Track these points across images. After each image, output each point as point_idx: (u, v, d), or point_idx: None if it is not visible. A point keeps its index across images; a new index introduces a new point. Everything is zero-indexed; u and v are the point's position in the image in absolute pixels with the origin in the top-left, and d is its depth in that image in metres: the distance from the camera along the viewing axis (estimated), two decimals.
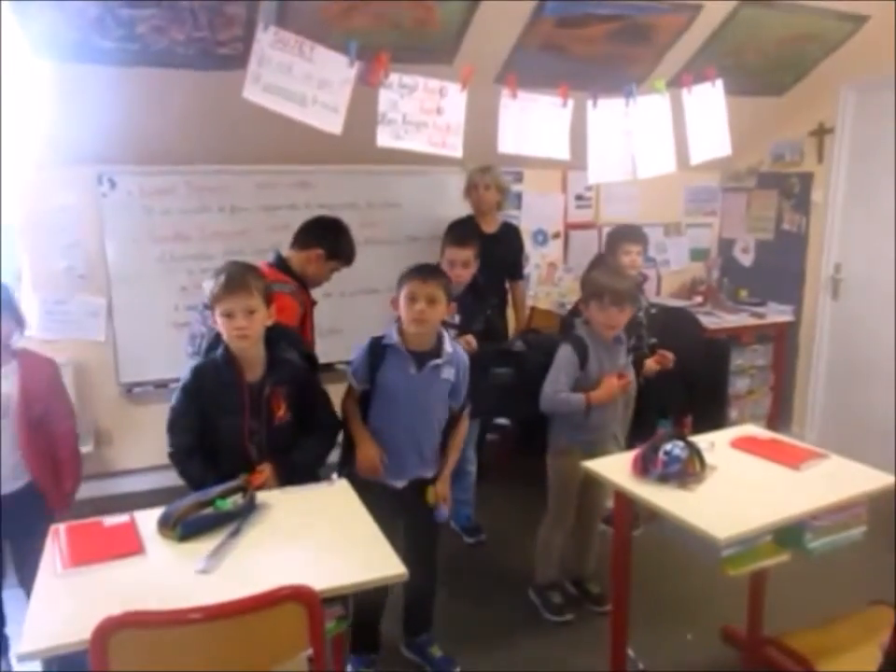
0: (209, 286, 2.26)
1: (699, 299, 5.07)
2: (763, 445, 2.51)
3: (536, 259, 4.81)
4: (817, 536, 2.11)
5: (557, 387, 2.81)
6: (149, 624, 1.48)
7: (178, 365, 2.37)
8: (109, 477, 4.00)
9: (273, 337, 2.35)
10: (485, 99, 3.05)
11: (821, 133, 4.53)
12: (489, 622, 2.98)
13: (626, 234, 3.67)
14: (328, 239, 2.99)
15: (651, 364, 3.39)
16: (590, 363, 2.84)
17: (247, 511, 1.99)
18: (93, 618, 1.45)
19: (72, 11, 2.76)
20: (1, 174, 3.45)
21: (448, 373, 2.51)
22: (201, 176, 3.90)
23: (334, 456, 2.57)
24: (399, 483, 2.53)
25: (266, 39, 2.69)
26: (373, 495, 2.22)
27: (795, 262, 4.77)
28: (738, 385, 4.78)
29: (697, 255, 5.35)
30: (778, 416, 4.87)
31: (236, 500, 1.98)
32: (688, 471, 2.24)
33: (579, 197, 4.90)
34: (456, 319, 3.15)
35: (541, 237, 4.84)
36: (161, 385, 3.88)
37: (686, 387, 3.71)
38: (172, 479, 2.34)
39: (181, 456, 2.29)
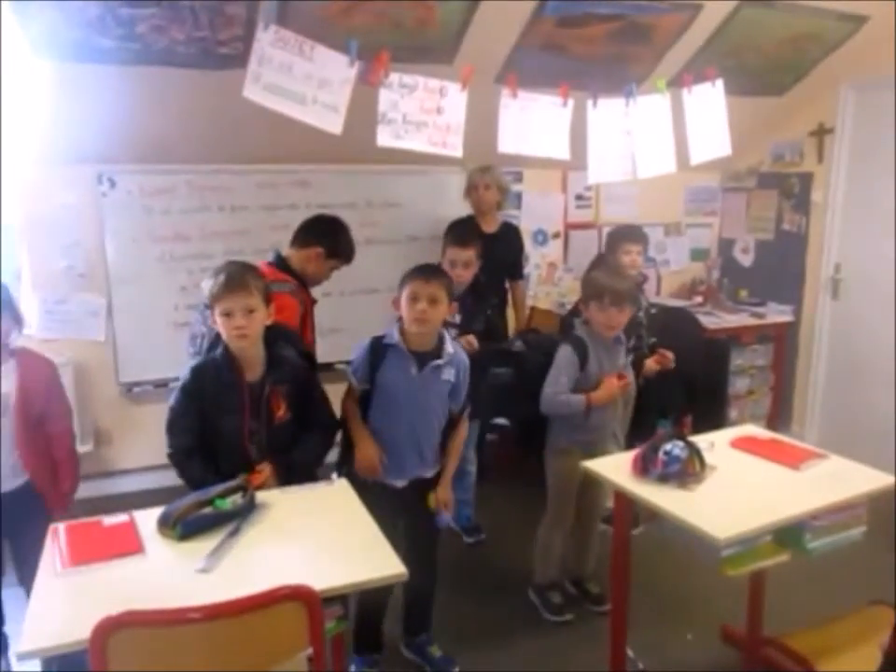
0: (208, 285, 2.26)
1: (699, 299, 5.07)
2: (762, 445, 2.51)
3: (536, 258, 4.81)
4: (816, 536, 2.11)
5: (558, 388, 2.81)
6: (149, 624, 1.48)
7: (178, 365, 2.37)
8: (109, 476, 4.00)
9: (272, 336, 2.35)
10: (485, 99, 3.05)
11: (821, 133, 4.53)
12: (489, 621, 2.98)
13: (627, 234, 3.67)
14: (327, 237, 2.99)
15: (651, 364, 3.39)
16: (590, 364, 2.84)
17: (247, 510, 1.99)
18: (93, 617, 1.45)
19: (72, 11, 2.76)
20: (1, 173, 3.45)
21: (448, 374, 2.51)
22: (201, 176, 3.90)
23: (332, 456, 2.57)
24: (399, 483, 2.53)
25: (266, 38, 2.68)
26: (373, 494, 2.22)
27: (795, 262, 4.77)
28: (738, 385, 4.77)
29: (697, 255, 5.35)
30: (778, 416, 4.87)
31: (236, 500, 1.98)
32: (688, 471, 2.24)
33: (579, 197, 4.90)
34: (457, 319, 3.15)
35: (541, 237, 4.84)
36: (161, 384, 3.88)
37: (686, 387, 3.71)
38: (171, 478, 2.34)
39: (180, 457, 2.28)
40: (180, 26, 2.94)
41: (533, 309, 4.57)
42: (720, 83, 3.52)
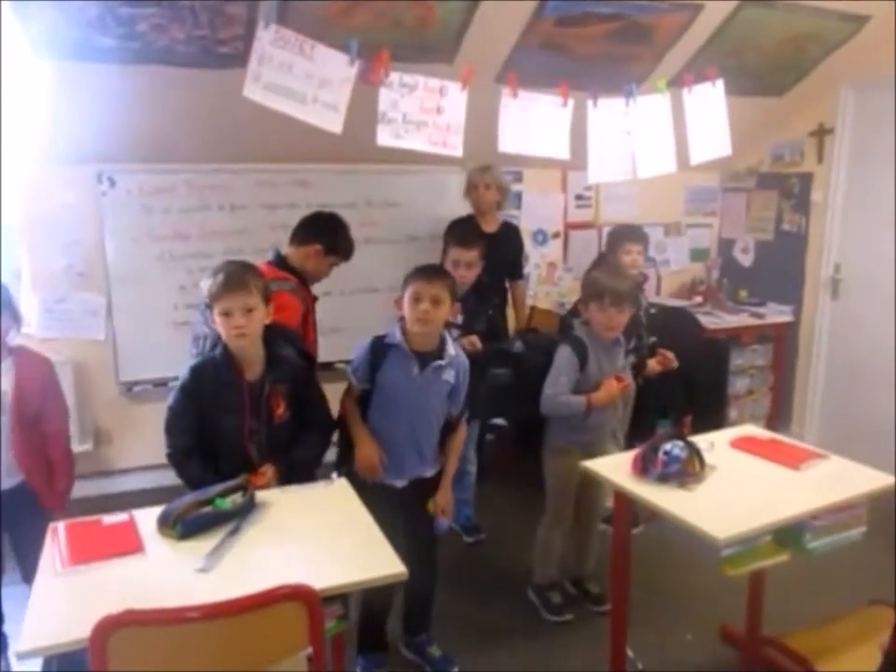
0: (207, 285, 2.25)
1: (699, 299, 5.07)
2: (762, 445, 2.51)
3: (536, 258, 4.81)
4: (816, 536, 2.11)
5: (558, 389, 2.81)
6: (149, 623, 1.48)
7: (178, 364, 2.37)
8: (108, 475, 4.00)
9: (272, 335, 2.35)
10: (486, 98, 3.05)
11: (821, 133, 4.53)
12: (488, 621, 2.98)
13: (627, 234, 3.67)
14: (325, 234, 2.99)
15: (653, 364, 3.40)
16: (589, 365, 2.84)
17: (247, 509, 1.99)
18: (93, 616, 1.44)
19: (72, 10, 2.75)
20: (1, 172, 3.44)
21: (449, 375, 2.51)
22: (200, 175, 3.90)
23: (330, 455, 2.57)
24: (399, 483, 2.53)
25: (267, 38, 2.68)
26: (373, 494, 2.22)
27: (795, 262, 4.77)
28: (738, 385, 4.78)
29: (697, 255, 5.35)
30: (778, 416, 4.87)
31: (235, 499, 1.98)
32: (687, 471, 2.24)
33: (579, 197, 4.90)
34: (459, 319, 3.15)
35: (541, 237, 4.84)
36: (161, 383, 3.88)
37: (686, 387, 3.71)
38: (171, 478, 2.33)
39: (179, 457, 2.28)
40: (180, 25, 2.93)
41: (533, 309, 4.56)
42: (720, 83, 3.52)
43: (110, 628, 1.44)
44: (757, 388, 4.88)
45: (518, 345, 3.17)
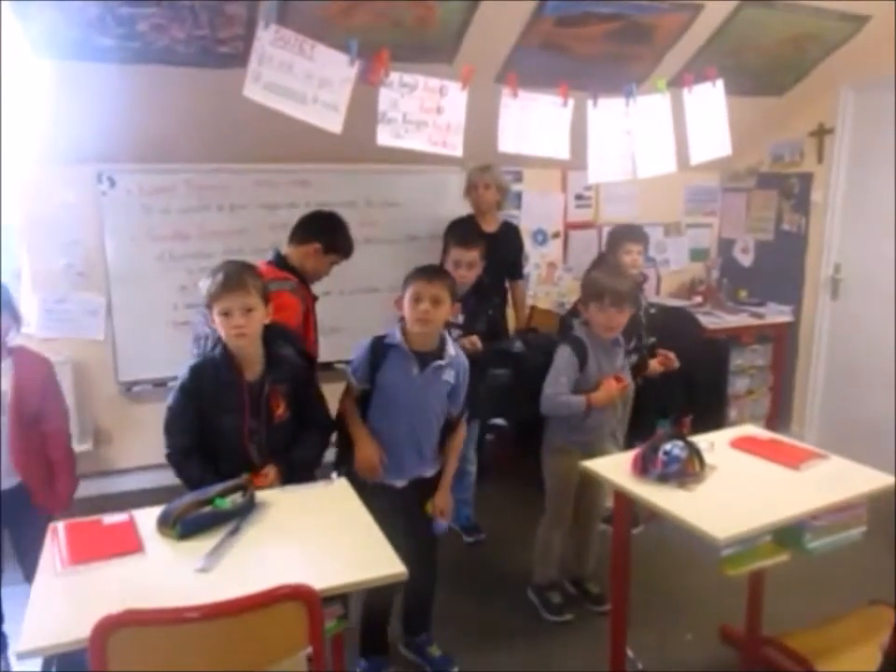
0: (205, 285, 2.25)
1: (699, 299, 5.07)
2: (762, 445, 2.51)
3: (535, 258, 4.80)
4: (816, 536, 2.11)
5: (558, 389, 2.81)
6: (149, 623, 1.48)
7: (177, 364, 2.36)
8: (108, 475, 4.00)
9: (271, 335, 2.35)
10: (486, 98, 3.05)
11: (821, 133, 4.53)
12: (488, 621, 2.98)
13: (627, 233, 3.67)
14: (324, 233, 2.99)
15: (655, 365, 3.40)
16: (589, 365, 2.84)
17: (246, 509, 1.99)
18: (93, 616, 1.44)
19: (72, 9, 2.75)
20: (1, 172, 3.44)
21: (449, 375, 2.51)
22: (200, 175, 3.90)
23: (329, 456, 2.57)
24: (399, 483, 2.53)
25: (267, 37, 2.68)
26: (373, 494, 2.22)
27: (795, 263, 4.77)
28: (738, 385, 4.78)
29: (697, 255, 5.35)
30: (778, 416, 4.87)
31: (235, 499, 1.97)
32: (687, 471, 2.24)
33: (578, 197, 4.90)
34: (460, 319, 3.15)
35: (541, 237, 4.84)
36: (161, 383, 3.88)
37: (685, 387, 3.71)
38: (171, 478, 2.33)
39: (179, 457, 2.28)
40: (180, 25, 2.93)
41: (533, 309, 4.56)
42: (720, 83, 3.52)
43: (110, 628, 1.44)
44: (757, 388, 4.88)
45: (518, 345, 3.17)
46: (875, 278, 4.29)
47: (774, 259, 4.94)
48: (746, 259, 5.17)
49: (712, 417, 4.02)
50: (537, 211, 4.78)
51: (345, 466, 2.51)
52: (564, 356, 2.84)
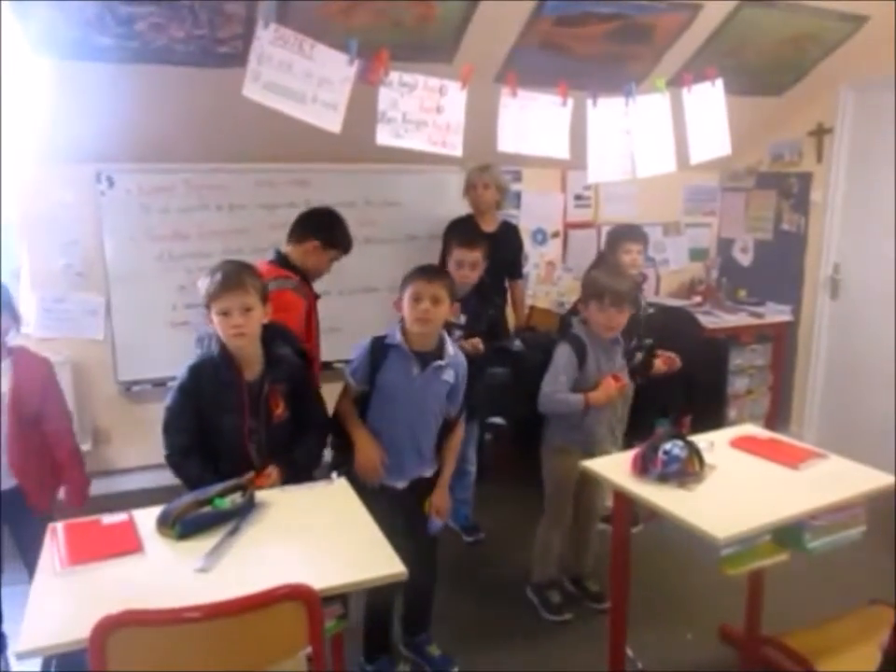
0: (204, 284, 2.25)
1: (698, 298, 5.07)
2: (762, 445, 2.51)
3: (535, 258, 4.80)
4: (816, 536, 2.11)
5: (556, 387, 2.80)
6: (148, 623, 1.48)
7: (177, 363, 2.36)
8: (107, 475, 3.99)
9: (270, 335, 2.34)
10: (485, 98, 3.05)
11: (820, 132, 4.53)
12: (488, 621, 2.98)
13: (627, 233, 3.66)
14: (322, 230, 2.99)
15: (658, 364, 3.39)
16: (588, 364, 2.84)
17: (246, 509, 1.98)
18: (92, 616, 1.44)
19: (71, 9, 2.75)
20: (0, 171, 3.44)
21: (448, 375, 2.51)
22: (199, 175, 3.90)
23: (326, 456, 2.56)
24: (400, 484, 2.52)
25: (266, 37, 2.68)
26: (372, 495, 2.22)
27: (794, 262, 4.77)
28: (737, 384, 4.77)
29: (696, 255, 5.35)
30: (777, 416, 4.87)
31: (235, 499, 1.97)
32: (687, 471, 2.24)
33: (578, 196, 4.90)
34: (462, 320, 3.15)
35: (540, 236, 4.84)
36: (160, 383, 3.87)
37: (685, 387, 3.71)
38: (170, 477, 2.33)
39: (177, 458, 2.27)
40: (179, 24, 2.93)
41: (532, 308, 4.57)
42: (719, 83, 3.52)
43: (110, 628, 1.44)
44: (756, 388, 4.88)
45: (517, 344, 3.17)
46: (874, 278, 4.29)
47: (773, 258, 4.94)
48: (745, 259, 5.17)
49: (711, 417, 4.02)
50: (536, 211, 4.77)
51: (345, 467, 2.51)
52: (563, 354, 2.83)
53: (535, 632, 2.92)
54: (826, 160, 4.52)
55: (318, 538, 1.90)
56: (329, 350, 3.35)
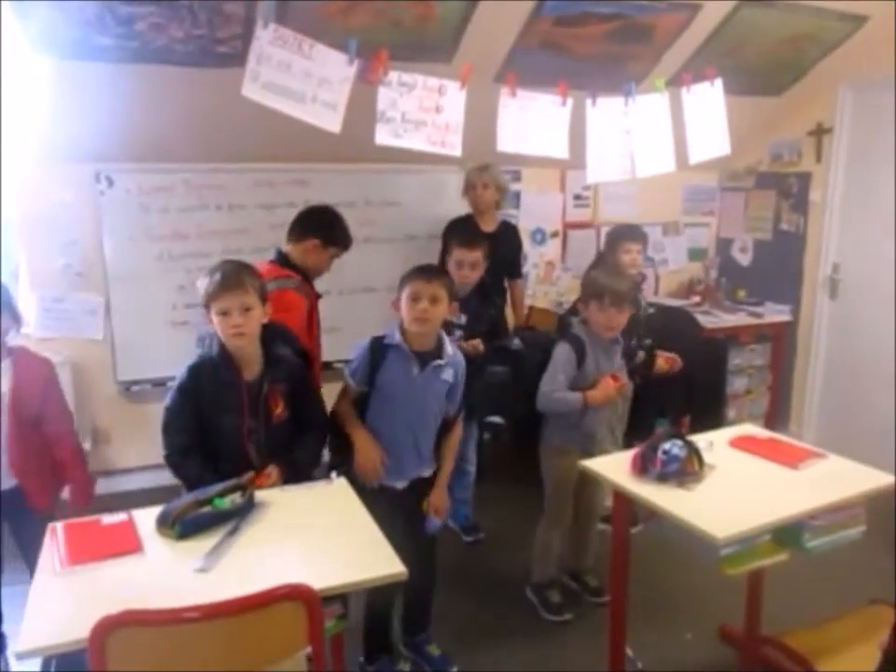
0: (203, 284, 2.25)
1: (697, 298, 5.08)
2: (761, 445, 2.51)
3: (534, 258, 4.80)
4: (815, 535, 2.11)
5: (555, 386, 2.80)
6: (148, 623, 1.48)
7: (176, 363, 2.36)
8: (107, 475, 3.99)
9: (269, 335, 2.34)
10: (484, 98, 3.05)
11: (820, 132, 4.53)
12: (487, 620, 2.98)
13: (626, 233, 3.67)
14: (321, 228, 2.99)
15: (661, 363, 3.39)
16: (587, 363, 2.84)
17: (246, 509, 1.98)
18: (91, 616, 1.44)
19: (71, 8, 2.75)
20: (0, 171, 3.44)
21: (448, 374, 2.51)
22: (199, 174, 3.90)
23: (325, 456, 2.57)
24: (400, 485, 2.52)
25: (265, 37, 2.68)
26: (372, 495, 2.22)
27: (793, 262, 4.77)
28: (736, 384, 4.78)
29: (695, 254, 5.35)
30: (776, 416, 4.87)
31: (234, 499, 1.97)
32: (687, 470, 2.24)
33: (577, 196, 4.90)
34: (463, 320, 3.15)
35: (540, 236, 4.84)
36: (160, 383, 3.87)
37: (684, 387, 3.71)
38: (170, 477, 2.33)
39: (176, 458, 2.27)
40: (179, 24, 2.93)
41: (531, 308, 4.57)
42: (718, 82, 3.52)
43: (109, 628, 1.44)
44: (755, 388, 4.88)
45: (516, 343, 3.17)
46: (873, 278, 4.29)
47: (772, 258, 4.94)
48: (744, 259, 5.17)
49: (711, 417, 4.02)
50: (535, 210, 4.77)
51: (344, 467, 2.51)
52: (562, 353, 2.83)
53: (534, 632, 2.92)
54: (825, 159, 4.52)
55: (318, 538, 1.90)
56: (328, 350, 3.35)
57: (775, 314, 4.82)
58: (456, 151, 3.05)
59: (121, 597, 1.55)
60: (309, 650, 1.61)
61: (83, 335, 3.87)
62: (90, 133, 3.43)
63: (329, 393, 2.54)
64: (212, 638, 1.52)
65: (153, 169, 3.80)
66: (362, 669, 2.63)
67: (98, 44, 2.93)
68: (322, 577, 1.67)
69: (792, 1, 3.58)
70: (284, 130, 2.92)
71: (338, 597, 1.83)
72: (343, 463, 2.51)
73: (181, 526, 1.87)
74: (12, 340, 2.48)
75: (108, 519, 1.96)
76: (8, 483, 2.43)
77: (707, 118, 3.52)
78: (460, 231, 3.57)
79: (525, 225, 4.60)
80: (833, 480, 2.25)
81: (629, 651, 2.52)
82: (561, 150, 3.30)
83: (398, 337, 2.45)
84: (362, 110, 2.79)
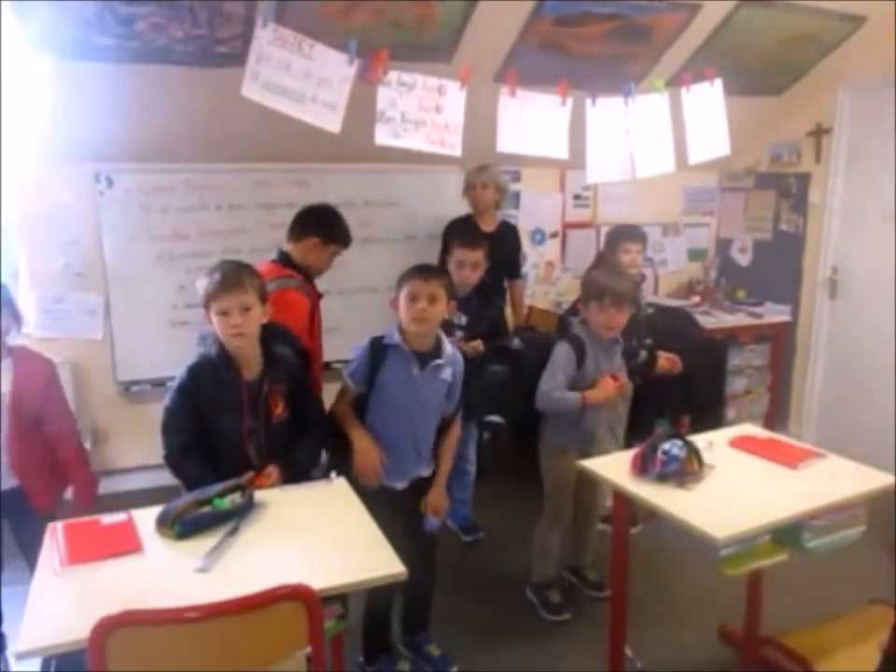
0: (203, 284, 2.25)
1: (697, 298, 5.08)
2: (761, 445, 2.51)
3: (534, 258, 4.80)
4: (815, 535, 2.11)
5: (554, 385, 2.80)
6: (148, 623, 1.48)
7: (176, 364, 2.36)
8: (107, 475, 3.98)
9: (269, 335, 2.34)
10: (484, 97, 3.05)
11: (819, 133, 4.53)
12: (487, 620, 2.98)
13: (626, 233, 3.67)
14: (321, 226, 2.99)
15: (663, 363, 3.40)
16: (587, 363, 2.84)
17: (245, 509, 1.98)
18: (91, 616, 1.44)
19: (71, 8, 2.75)
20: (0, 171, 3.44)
21: (447, 374, 2.51)
22: (199, 174, 3.89)
23: (324, 457, 2.57)
24: (400, 485, 2.52)
25: (265, 36, 2.68)
26: (372, 495, 2.22)
27: (793, 262, 4.77)
28: (736, 384, 4.78)
29: (695, 255, 5.35)
30: (775, 416, 4.87)
31: (234, 499, 1.97)
32: (686, 471, 2.23)
33: (577, 196, 4.89)
34: (463, 321, 3.15)
35: (539, 236, 4.84)
36: (159, 383, 3.86)
37: (684, 387, 3.71)
38: (169, 477, 2.33)
39: (176, 458, 2.27)
40: (179, 24, 2.93)
41: (531, 308, 4.57)
42: (718, 83, 3.53)
43: (109, 628, 1.44)
44: (755, 388, 4.88)
45: (516, 342, 3.17)
46: (872, 278, 4.30)
47: (772, 258, 4.94)
48: (744, 259, 5.17)
49: (710, 417, 4.02)
50: (535, 210, 4.77)
51: (344, 467, 2.51)
52: (562, 352, 2.83)
53: (534, 632, 2.92)
54: (825, 160, 4.52)
55: (318, 538, 1.90)
56: (327, 350, 3.35)
57: (774, 314, 4.82)
58: (456, 151, 3.05)
59: (121, 597, 1.54)
60: (309, 650, 1.61)
61: (83, 335, 3.87)
62: (90, 133, 3.43)
63: (330, 393, 2.54)
64: (212, 638, 1.52)
65: (153, 169, 3.80)
66: (362, 669, 2.63)
67: (98, 44, 2.93)
68: (322, 577, 1.67)
69: (792, 1, 3.58)
70: (284, 130, 2.92)
71: (338, 597, 1.83)
72: (343, 463, 2.51)
73: (181, 526, 1.87)
74: (13, 339, 2.48)
75: (108, 519, 1.96)
76: (9, 483, 2.42)
77: (707, 118, 3.52)
78: (461, 232, 3.57)
79: (524, 225, 4.60)
80: (833, 480, 2.25)
81: (629, 651, 2.51)
82: (561, 150, 3.30)
83: (397, 337, 2.45)
84: (362, 110, 2.79)
